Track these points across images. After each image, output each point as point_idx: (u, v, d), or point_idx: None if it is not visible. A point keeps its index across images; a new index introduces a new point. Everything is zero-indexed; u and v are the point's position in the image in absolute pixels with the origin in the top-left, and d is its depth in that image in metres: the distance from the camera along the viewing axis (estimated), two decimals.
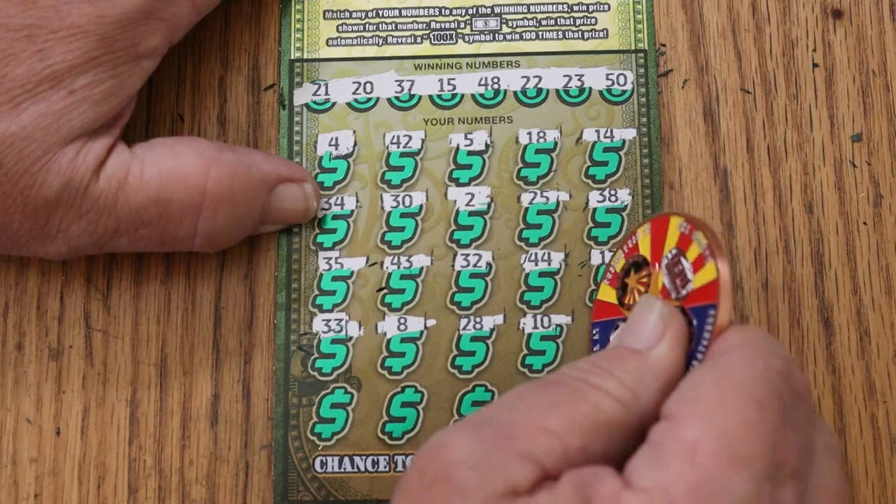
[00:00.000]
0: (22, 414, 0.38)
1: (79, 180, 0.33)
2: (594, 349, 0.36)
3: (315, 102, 0.40)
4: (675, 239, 0.33)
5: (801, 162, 0.40)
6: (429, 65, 0.40)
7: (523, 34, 0.40)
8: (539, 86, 0.40)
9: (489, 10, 0.41)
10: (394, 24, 0.40)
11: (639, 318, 0.32)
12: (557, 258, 0.39)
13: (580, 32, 0.40)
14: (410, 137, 0.40)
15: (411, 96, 0.40)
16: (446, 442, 0.28)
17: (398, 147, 0.40)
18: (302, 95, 0.40)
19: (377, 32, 0.40)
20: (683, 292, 0.32)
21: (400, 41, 0.40)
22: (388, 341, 0.38)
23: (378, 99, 0.40)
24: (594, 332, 0.36)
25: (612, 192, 0.39)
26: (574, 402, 0.29)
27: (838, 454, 0.31)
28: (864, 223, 0.40)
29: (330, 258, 0.39)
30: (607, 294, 0.36)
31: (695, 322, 0.31)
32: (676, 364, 0.31)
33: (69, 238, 0.34)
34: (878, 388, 0.39)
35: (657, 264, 0.34)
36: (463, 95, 0.40)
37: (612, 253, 0.38)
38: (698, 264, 0.32)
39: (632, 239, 0.35)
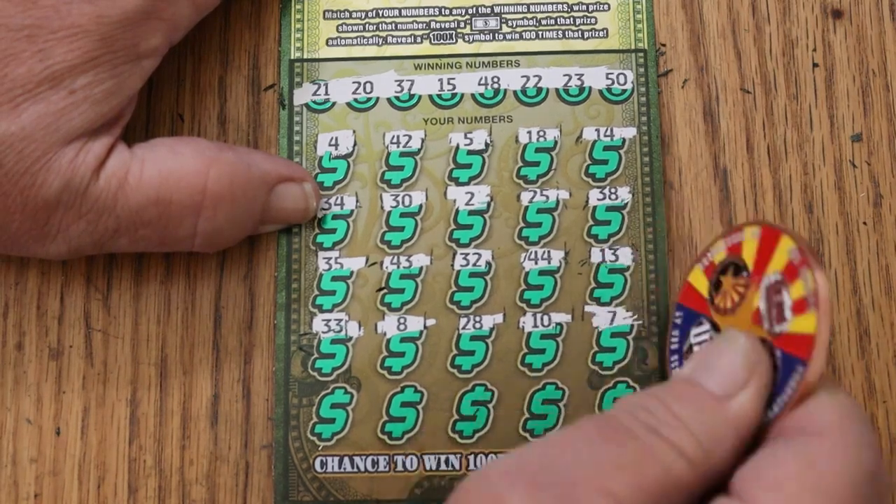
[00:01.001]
0: (22, 414, 0.38)
1: (79, 180, 0.33)
2: (673, 333, 0.36)
3: (315, 102, 0.40)
4: (783, 264, 0.30)
5: (801, 162, 0.40)
6: (429, 64, 0.40)
7: (523, 34, 0.40)
8: (539, 85, 0.40)
9: (489, 10, 0.41)
10: (394, 24, 0.40)
11: (722, 355, 0.30)
12: (557, 256, 0.39)
13: (580, 32, 0.40)
14: (410, 137, 0.40)
15: (411, 96, 0.40)
16: (501, 496, 0.26)
17: (398, 147, 0.40)
18: (302, 95, 0.40)
19: (377, 32, 0.40)
20: (777, 329, 0.30)
21: (400, 41, 0.40)
22: (388, 341, 0.38)
23: (378, 99, 0.40)
24: (677, 314, 0.34)
25: (613, 191, 0.39)
26: (643, 463, 0.27)
27: None
28: (864, 223, 0.40)
29: (330, 258, 0.39)
30: (699, 281, 0.33)
31: (781, 371, 0.29)
32: (755, 418, 0.29)
33: (69, 238, 0.34)
34: (877, 389, 0.39)
35: (758, 280, 0.31)
36: (463, 95, 0.40)
37: (712, 241, 0.35)
38: (799, 308, 0.29)
39: (738, 235, 0.33)
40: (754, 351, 0.29)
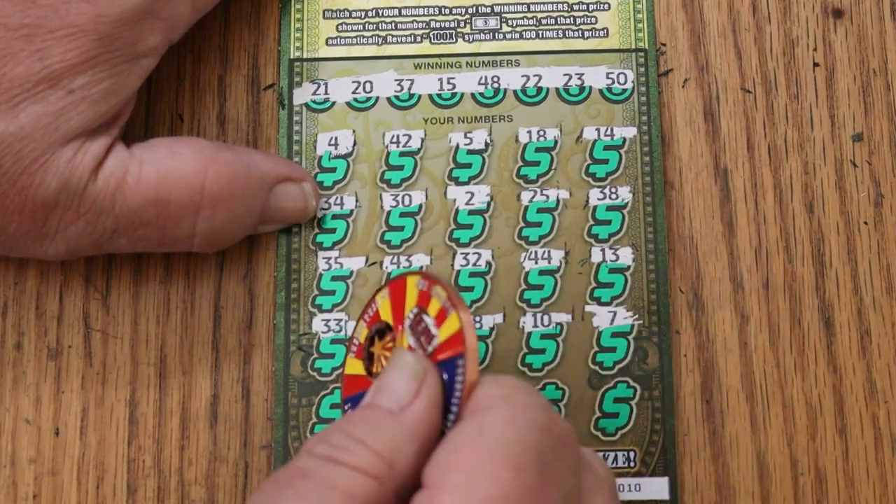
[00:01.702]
0: (21, 414, 0.38)
1: (77, 180, 0.33)
2: None
3: (314, 102, 0.40)
4: (415, 298, 0.32)
5: (802, 161, 0.40)
6: (428, 64, 0.40)
7: (523, 33, 0.40)
8: (539, 84, 0.40)
9: (489, 10, 0.40)
10: (393, 24, 0.40)
11: (391, 375, 0.30)
12: (557, 256, 0.39)
13: (580, 31, 0.40)
14: (410, 137, 0.40)
15: (411, 95, 0.40)
16: None
17: (398, 146, 0.39)
18: (301, 95, 0.40)
19: (377, 32, 0.40)
20: (430, 348, 0.31)
21: (400, 40, 0.40)
22: None
23: (378, 98, 0.40)
24: (346, 407, 0.34)
25: (613, 190, 0.39)
26: (322, 496, 0.27)
27: (606, 485, 0.30)
28: (865, 223, 0.40)
29: (329, 258, 0.39)
30: (354, 367, 0.34)
31: (445, 376, 0.30)
32: (432, 423, 0.30)
33: (68, 238, 0.34)
34: (878, 388, 0.39)
35: (400, 327, 0.32)
36: (463, 94, 0.40)
37: (353, 325, 0.37)
38: (441, 318, 0.31)
39: (371, 307, 0.34)
40: (418, 362, 0.30)
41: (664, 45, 0.41)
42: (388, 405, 0.30)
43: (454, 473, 0.27)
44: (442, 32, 0.40)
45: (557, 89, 0.40)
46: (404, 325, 0.32)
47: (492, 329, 0.38)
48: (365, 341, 0.34)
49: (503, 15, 0.40)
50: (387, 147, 0.39)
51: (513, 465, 0.27)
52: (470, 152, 0.39)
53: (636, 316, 0.38)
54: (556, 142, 0.39)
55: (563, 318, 0.38)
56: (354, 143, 0.39)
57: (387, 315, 0.33)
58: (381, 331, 0.34)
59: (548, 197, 0.39)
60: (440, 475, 0.28)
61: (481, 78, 0.40)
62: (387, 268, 0.39)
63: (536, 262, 0.39)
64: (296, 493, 0.27)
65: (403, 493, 0.29)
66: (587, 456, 0.31)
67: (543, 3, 0.41)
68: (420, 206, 0.39)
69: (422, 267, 0.39)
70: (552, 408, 0.30)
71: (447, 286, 0.31)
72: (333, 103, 0.40)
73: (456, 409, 0.30)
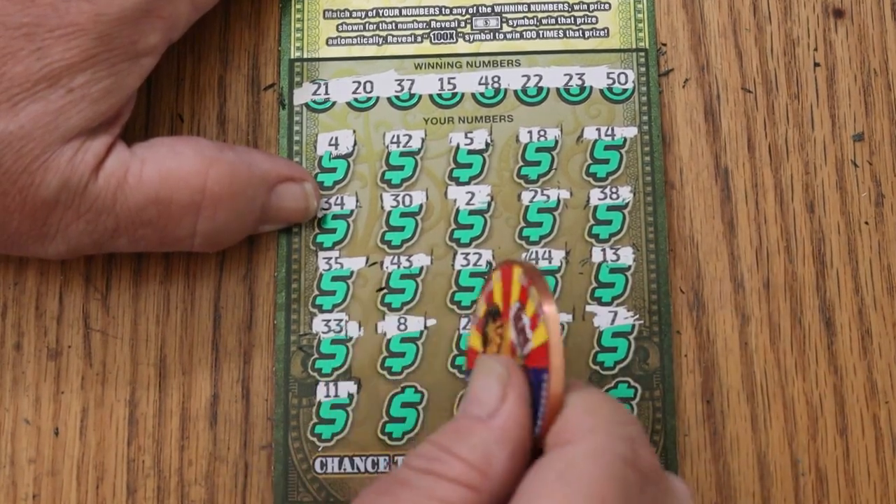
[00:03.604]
0: (20, 414, 0.38)
1: (77, 179, 0.33)
2: None
3: (315, 102, 0.40)
4: (518, 291, 0.32)
5: (803, 161, 0.40)
6: (429, 64, 0.40)
7: (524, 33, 0.40)
8: (539, 84, 0.40)
9: (489, 10, 0.40)
10: (394, 24, 0.40)
11: (478, 383, 0.31)
12: (558, 256, 0.39)
13: (581, 31, 0.40)
14: (410, 137, 0.39)
15: (411, 95, 0.40)
16: None
17: (398, 146, 0.39)
18: (302, 95, 0.40)
19: (377, 32, 0.40)
20: (526, 350, 0.31)
21: (400, 40, 0.40)
22: (388, 341, 0.38)
23: (378, 98, 0.40)
24: (467, 380, 0.34)
25: (614, 190, 0.39)
26: None
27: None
28: (866, 223, 0.40)
29: (330, 258, 0.39)
30: (475, 341, 0.34)
31: (533, 386, 0.30)
32: (522, 425, 0.30)
33: (68, 238, 0.34)
34: (879, 388, 0.39)
35: (507, 317, 0.32)
36: (463, 94, 0.40)
37: (477, 298, 0.37)
38: (534, 322, 0.31)
39: (489, 284, 0.34)
40: (504, 368, 0.31)
41: (665, 44, 0.41)
42: (477, 412, 0.30)
43: None
44: (442, 32, 0.40)
45: (558, 89, 0.40)
46: (510, 316, 0.32)
47: None
48: (483, 318, 0.34)
49: (503, 15, 0.40)
50: (387, 147, 0.39)
51: (600, 500, 0.27)
52: (470, 152, 0.39)
53: (637, 316, 0.38)
54: (556, 142, 0.39)
55: (564, 318, 0.38)
56: (355, 144, 0.39)
57: (498, 298, 0.33)
58: (494, 313, 0.33)
59: (548, 197, 0.39)
60: None
61: (482, 78, 0.40)
62: (387, 268, 0.39)
63: (537, 263, 0.39)
64: (394, 500, 0.28)
65: (502, 497, 0.29)
66: (669, 481, 0.31)
67: (544, 3, 0.41)
68: (420, 206, 0.39)
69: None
70: (641, 434, 0.30)
71: (542, 289, 0.30)
72: (334, 103, 0.40)
73: (541, 421, 0.30)
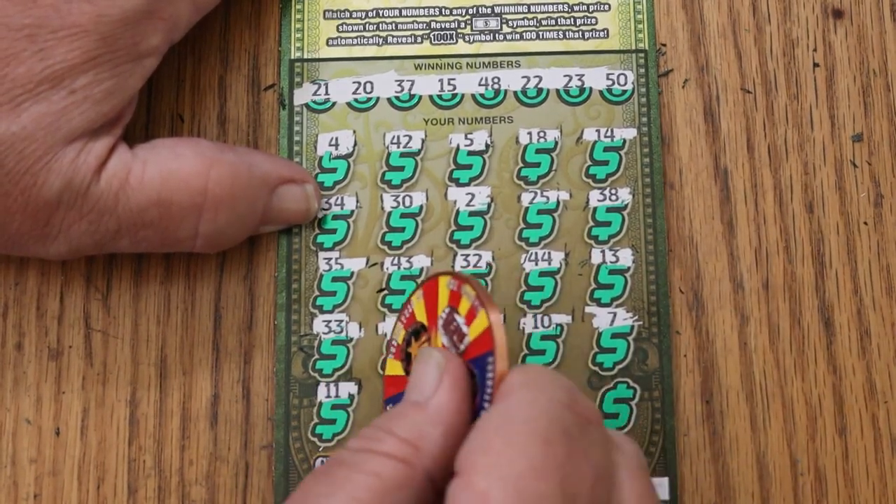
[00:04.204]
0: (21, 414, 0.38)
1: (80, 180, 0.33)
2: None
3: (315, 102, 0.40)
4: (447, 298, 0.33)
5: (802, 162, 0.40)
6: (429, 65, 0.40)
7: (524, 34, 0.40)
8: (539, 86, 0.40)
9: (489, 10, 0.41)
10: (394, 24, 0.40)
11: (417, 371, 0.32)
12: (558, 257, 0.39)
13: (580, 32, 0.40)
14: (410, 137, 0.40)
15: (411, 96, 0.40)
16: None
17: (398, 147, 0.39)
18: (302, 95, 0.40)
19: (377, 32, 0.40)
20: (462, 347, 0.32)
21: (400, 41, 0.40)
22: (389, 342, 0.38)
23: (378, 99, 0.40)
24: (387, 408, 0.35)
25: (613, 191, 0.39)
26: (351, 479, 0.29)
27: (638, 467, 0.31)
28: (865, 223, 0.40)
29: (330, 259, 0.39)
30: (394, 368, 0.35)
31: (477, 373, 0.31)
32: (456, 408, 0.31)
33: (70, 238, 0.34)
34: (878, 389, 0.39)
35: (434, 327, 0.33)
36: (463, 95, 0.40)
37: (392, 327, 0.38)
38: (470, 316, 0.32)
39: (407, 308, 0.35)
40: (441, 356, 0.32)
41: (664, 45, 0.41)
42: (416, 398, 0.31)
43: (484, 456, 0.28)
44: (442, 33, 0.40)
45: (558, 90, 0.40)
46: (437, 325, 0.33)
47: None
48: (402, 342, 0.35)
49: (503, 16, 0.40)
50: (387, 148, 0.39)
51: (541, 438, 0.28)
52: (470, 153, 0.39)
53: (636, 317, 0.38)
54: (556, 143, 0.40)
55: (564, 319, 0.38)
56: (355, 144, 0.39)
57: (422, 316, 0.34)
58: (416, 331, 0.34)
59: (548, 198, 0.39)
60: (470, 460, 0.28)
61: (482, 79, 0.40)
62: (387, 269, 0.39)
63: (537, 264, 0.39)
64: (330, 479, 0.29)
65: (439, 481, 0.30)
66: (615, 436, 0.31)
67: (544, 4, 0.41)
68: (421, 207, 0.39)
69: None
70: (575, 388, 0.31)
71: (476, 285, 0.32)
72: (334, 104, 0.40)
73: (488, 405, 0.31)
